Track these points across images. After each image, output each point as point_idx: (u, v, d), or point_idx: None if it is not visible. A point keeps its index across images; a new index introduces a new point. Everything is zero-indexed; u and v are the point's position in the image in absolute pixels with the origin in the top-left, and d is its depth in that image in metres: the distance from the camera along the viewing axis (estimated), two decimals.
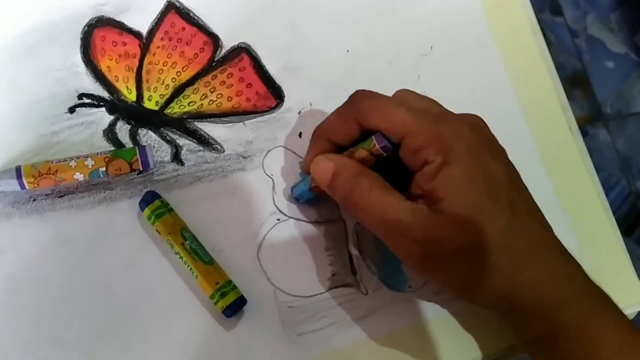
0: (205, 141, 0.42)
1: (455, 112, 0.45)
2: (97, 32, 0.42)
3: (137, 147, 0.40)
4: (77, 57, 0.42)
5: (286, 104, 0.43)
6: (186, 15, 0.44)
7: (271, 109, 0.43)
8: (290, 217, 0.41)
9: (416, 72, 0.46)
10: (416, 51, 0.46)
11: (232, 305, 0.38)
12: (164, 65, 0.42)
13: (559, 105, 0.47)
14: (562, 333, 0.34)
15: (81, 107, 0.41)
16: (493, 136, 0.37)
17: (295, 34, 0.45)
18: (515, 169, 0.37)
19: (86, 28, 0.42)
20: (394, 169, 0.37)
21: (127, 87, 0.42)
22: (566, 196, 0.45)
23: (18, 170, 0.38)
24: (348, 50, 0.45)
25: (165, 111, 0.42)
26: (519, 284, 0.34)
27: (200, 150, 0.41)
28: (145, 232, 0.39)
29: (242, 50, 0.44)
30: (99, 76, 0.42)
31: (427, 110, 0.37)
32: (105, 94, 0.41)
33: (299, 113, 0.43)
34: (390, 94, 0.44)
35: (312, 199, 0.41)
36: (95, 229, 0.39)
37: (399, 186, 0.36)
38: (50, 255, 0.38)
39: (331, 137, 0.38)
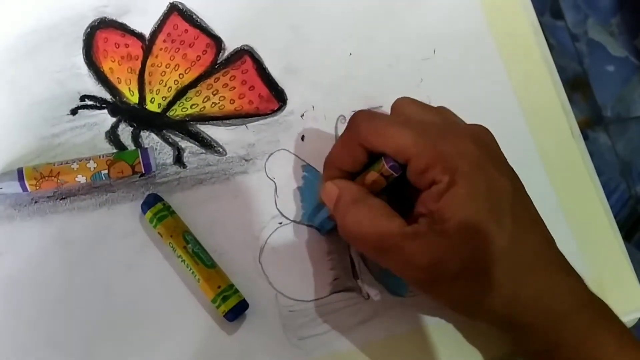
0: (207, 144, 0.42)
1: (459, 115, 0.45)
2: (99, 33, 0.42)
3: (139, 150, 0.40)
4: (79, 59, 0.42)
5: (288, 106, 0.43)
6: (189, 18, 0.43)
7: (274, 112, 0.43)
8: (292, 221, 0.41)
9: (418, 76, 0.46)
10: (418, 55, 0.46)
11: (234, 309, 0.37)
12: (166, 67, 0.42)
13: (560, 107, 0.47)
14: (562, 347, 0.34)
15: (83, 108, 0.41)
16: (497, 147, 0.37)
17: (298, 36, 0.45)
18: (519, 181, 0.37)
19: (88, 29, 0.42)
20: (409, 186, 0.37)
21: (129, 89, 0.42)
22: (567, 199, 0.45)
23: (20, 172, 0.38)
24: (350, 54, 0.45)
25: (167, 113, 0.42)
26: (520, 300, 0.34)
27: (202, 153, 0.41)
28: (147, 234, 0.39)
29: (245, 53, 0.44)
30: (101, 78, 0.41)
31: (429, 124, 0.36)
32: (107, 96, 0.41)
33: (301, 116, 0.43)
34: (393, 97, 0.44)
35: (334, 228, 0.39)
36: (97, 231, 0.39)
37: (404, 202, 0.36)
38: (51, 257, 0.38)
39: (340, 165, 0.38)
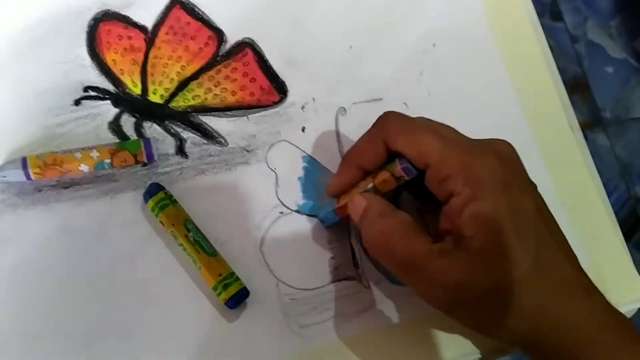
0: (209, 135, 0.42)
1: (457, 111, 0.45)
2: (102, 25, 0.43)
3: (141, 140, 0.40)
4: (83, 50, 0.42)
5: (289, 98, 0.44)
6: (191, 10, 0.44)
7: (275, 104, 0.43)
8: (292, 211, 0.42)
9: (418, 69, 0.46)
10: (418, 48, 0.47)
11: (235, 297, 0.38)
12: (168, 59, 0.43)
13: (559, 101, 0.48)
14: None
15: (86, 99, 0.41)
16: (521, 165, 0.37)
17: (299, 29, 0.45)
18: (542, 199, 0.36)
19: (92, 22, 0.42)
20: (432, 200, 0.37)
21: (132, 81, 0.42)
22: (566, 191, 0.45)
23: (24, 160, 0.38)
24: (351, 47, 0.46)
25: (169, 104, 0.42)
26: (543, 322, 0.34)
27: (204, 144, 0.42)
28: (149, 223, 0.40)
29: (246, 45, 0.44)
30: (104, 69, 0.42)
31: (456, 135, 0.36)
32: (110, 87, 0.42)
33: (302, 108, 0.44)
34: (393, 89, 0.45)
35: (337, 223, 0.40)
36: (100, 219, 0.39)
37: (430, 216, 0.36)
38: (55, 246, 0.38)
39: (361, 163, 0.38)
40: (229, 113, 0.43)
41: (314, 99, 0.44)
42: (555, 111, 0.48)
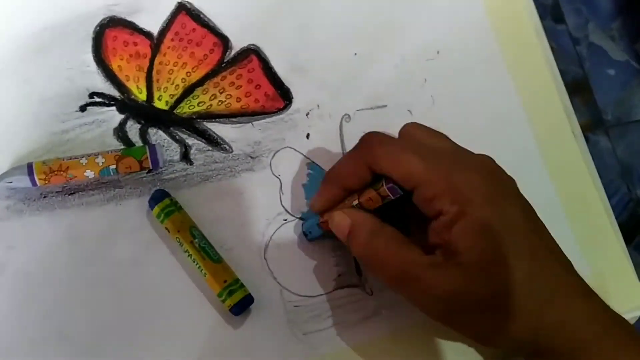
0: (214, 141, 0.42)
1: (460, 117, 0.45)
2: (108, 32, 0.43)
3: (147, 146, 0.40)
4: (89, 56, 0.42)
5: (294, 105, 0.44)
6: (197, 17, 0.44)
7: (279, 110, 0.44)
8: (297, 218, 0.42)
9: (422, 76, 0.46)
10: (422, 55, 0.47)
11: (240, 304, 0.38)
12: (174, 65, 0.43)
13: (562, 108, 0.48)
14: None
15: (92, 105, 0.41)
16: (508, 178, 0.37)
17: (304, 36, 0.45)
18: (532, 210, 0.37)
19: (98, 28, 0.43)
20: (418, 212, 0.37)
21: (137, 87, 0.42)
22: (568, 197, 0.46)
23: (29, 166, 0.38)
24: (356, 53, 0.46)
25: (175, 111, 0.42)
26: (541, 330, 0.34)
27: (209, 150, 0.42)
28: (154, 230, 0.40)
29: (251, 52, 0.44)
30: (110, 75, 0.42)
31: (439, 152, 0.36)
32: (116, 93, 0.42)
33: (307, 115, 0.44)
34: (397, 96, 0.45)
35: (321, 235, 0.40)
36: (105, 226, 0.39)
37: (417, 227, 0.36)
38: (60, 252, 0.39)
39: (344, 183, 0.38)
40: (233, 120, 0.43)
41: (318, 105, 0.44)
42: (558, 117, 0.48)
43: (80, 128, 0.41)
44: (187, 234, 0.39)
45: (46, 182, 0.39)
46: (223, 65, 0.44)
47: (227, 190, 0.41)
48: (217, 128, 0.43)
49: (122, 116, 0.42)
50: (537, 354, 0.35)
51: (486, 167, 0.37)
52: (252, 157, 0.42)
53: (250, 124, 0.43)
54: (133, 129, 0.42)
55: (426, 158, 0.35)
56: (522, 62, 0.48)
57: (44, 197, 0.39)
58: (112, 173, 0.39)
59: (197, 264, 0.38)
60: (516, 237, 0.35)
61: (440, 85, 0.46)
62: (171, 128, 0.42)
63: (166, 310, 0.39)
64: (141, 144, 0.41)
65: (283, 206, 0.42)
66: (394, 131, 0.39)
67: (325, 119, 0.44)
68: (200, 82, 0.43)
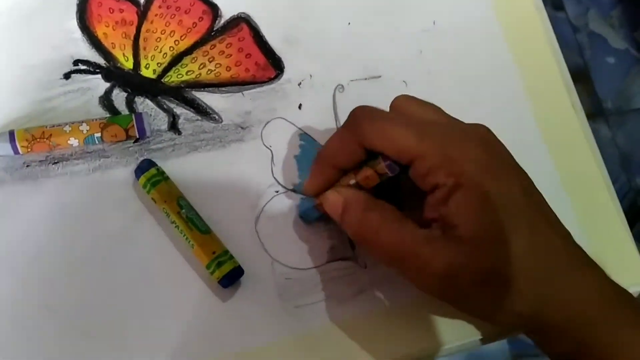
0: (203, 111, 0.41)
1: (456, 89, 0.44)
2: None
3: (133, 114, 0.39)
4: (73, 23, 0.41)
5: (286, 75, 0.43)
6: None
7: (270, 80, 0.42)
8: (288, 189, 0.40)
9: (417, 47, 0.45)
10: (418, 25, 0.46)
11: (229, 275, 0.37)
12: (161, 33, 0.42)
13: (562, 81, 0.47)
14: (590, 348, 0.33)
15: (76, 73, 0.40)
16: (503, 148, 0.36)
17: (297, 5, 0.44)
18: (530, 181, 0.35)
19: None
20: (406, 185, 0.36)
21: (123, 55, 0.41)
22: (567, 173, 0.45)
23: (11, 134, 0.37)
24: (349, 23, 0.45)
25: (162, 80, 0.41)
26: (545, 302, 0.33)
27: (197, 120, 0.41)
28: (140, 201, 0.39)
29: (242, 21, 0.43)
30: (95, 43, 0.41)
31: (432, 124, 0.35)
32: (101, 61, 0.41)
33: (298, 85, 0.43)
34: (391, 67, 0.44)
35: (319, 217, 0.39)
36: (90, 196, 0.38)
37: (413, 202, 0.35)
38: (43, 223, 0.37)
39: (335, 162, 0.37)
40: (223, 89, 0.42)
41: (311, 75, 0.43)
42: (557, 90, 0.47)
43: (65, 96, 0.40)
44: (174, 205, 0.37)
45: (28, 150, 0.37)
46: (212, 33, 0.43)
47: (217, 161, 0.40)
48: (206, 97, 0.41)
49: (108, 84, 0.40)
50: (539, 330, 0.34)
51: (482, 137, 0.35)
52: (242, 128, 0.41)
53: (240, 93, 0.42)
54: (119, 98, 0.40)
55: (419, 131, 0.34)
56: (520, 33, 0.47)
57: (27, 166, 0.38)
58: (97, 141, 0.38)
59: (184, 235, 0.37)
60: (515, 209, 0.33)
61: (436, 56, 0.45)
62: (159, 97, 0.41)
63: (153, 282, 0.37)
64: (128, 113, 0.40)
65: (275, 178, 0.41)
66: (388, 102, 0.38)
67: (317, 89, 0.43)
68: (188, 51, 0.42)
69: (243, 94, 0.42)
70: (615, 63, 1.33)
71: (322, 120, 0.42)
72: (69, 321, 0.36)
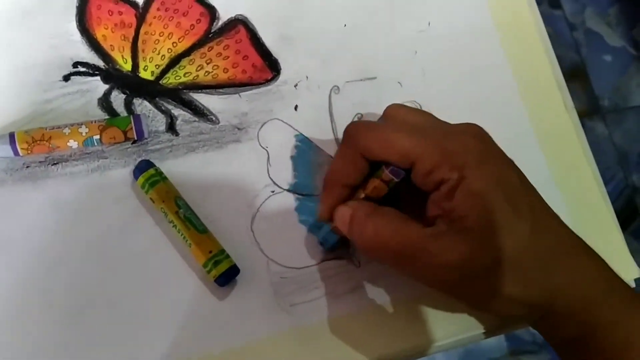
0: (200, 112, 0.42)
1: (451, 89, 0.45)
2: (93, 0, 0.42)
3: (131, 116, 0.39)
4: (72, 25, 0.41)
5: (282, 76, 0.43)
6: None
7: (267, 81, 0.43)
8: (284, 190, 0.41)
9: (413, 48, 0.46)
10: (413, 27, 0.46)
11: (225, 274, 0.37)
12: (160, 35, 0.42)
13: (554, 81, 0.47)
14: (594, 332, 0.34)
15: (76, 75, 0.41)
16: (496, 144, 0.37)
17: (293, 6, 0.45)
18: (522, 172, 0.36)
19: None
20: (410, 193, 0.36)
21: (122, 57, 0.42)
22: (559, 170, 0.45)
23: (12, 136, 0.38)
24: (345, 24, 0.45)
25: (160, 81, 0.42)
26: (550, 291, 0.34)
27: (195, 121, 0.41)
28: (138, 201, 0.39)
29: (239, 22, 0.44)
30: (94, 45, 0.41)
31: (427, 126, 0.36)
32: (100, 63, 0.41)
33: (295, 86, 0.43)
34: (387, 68, 0.45)
35: (337, 242, 0.39)
36: (89, 196, 0.39)
37: (411, 208, 0.36)
38: (43, 223, 0.38)
39: (343, 181, 0.38)
40: (220, 90, 0.42)
41: (307, 77, 0.44)
42: (550, 90, 0.47)
43: (64, 97, 0.40)
44: (172, 204, 0.38)
45: (28, 151, 0.38)
46: (210, 35, 0.43)
47: (214, 161, 0.41)
48: (203, 99, 0.42)
49: (107, 86, 0.41)
50: (546, 316, 0.35)
51: (475, 132, 0.36)
52: (239, 129, 0.42)
53: (237, 95, 0.42)
54: (118, 100, 0.41)
55: (416, 133, 0.35)
56: (514, 33, 0.48)
57: (27, 167, 0.39)
58: (96, 143, 0.39)
59: (182, 234, 0.38)
60: (515, 196, 0.34)
61: (431, 57, 0.46)
62: (157, 98, 0.41)
63: (151, 281, 0.38)
64: (126, 115, 0.40)
65: (271, 178, 0.41)
66: (383, 103, 0.38)
67: (313, 91, 0.43)
68: (186, 53, 0.42)
69: (240, 96, 0.42)
70: (612, 61, 1.33)
71: (318, 121, 0.43)
72: (68, 321, 0.37)
